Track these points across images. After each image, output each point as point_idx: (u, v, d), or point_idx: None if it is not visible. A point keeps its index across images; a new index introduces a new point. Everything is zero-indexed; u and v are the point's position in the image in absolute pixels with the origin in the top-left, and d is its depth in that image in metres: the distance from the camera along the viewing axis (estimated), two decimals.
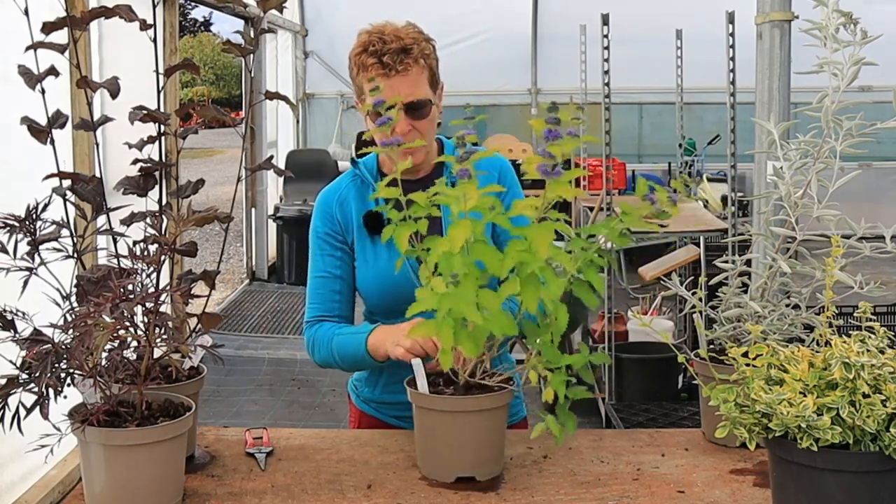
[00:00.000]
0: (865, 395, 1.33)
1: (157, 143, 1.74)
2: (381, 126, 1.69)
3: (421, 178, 2.02)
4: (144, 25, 1.71)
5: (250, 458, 1.81)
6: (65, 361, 1.47)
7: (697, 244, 5.25)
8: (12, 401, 1.47)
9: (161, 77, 1.74)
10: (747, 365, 1.46)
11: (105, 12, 1.67)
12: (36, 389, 1.45)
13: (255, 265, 8.60)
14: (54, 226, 1.57)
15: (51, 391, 1.45)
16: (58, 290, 1.58)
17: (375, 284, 2.03)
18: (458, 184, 1.58)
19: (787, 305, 1.85)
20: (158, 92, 1.75)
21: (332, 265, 2.04)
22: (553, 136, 1.48)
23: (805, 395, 1.35)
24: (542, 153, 1.48)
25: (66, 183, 1.67)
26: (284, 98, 1.84)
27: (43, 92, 1.64)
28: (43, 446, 1.47)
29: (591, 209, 6.68)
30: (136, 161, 1.74)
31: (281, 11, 7.19)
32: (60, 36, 1.65)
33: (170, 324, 1.59)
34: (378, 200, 2.02)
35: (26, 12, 1.61)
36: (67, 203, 1.68)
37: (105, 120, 1.72)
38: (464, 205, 1.55)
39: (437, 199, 1.62)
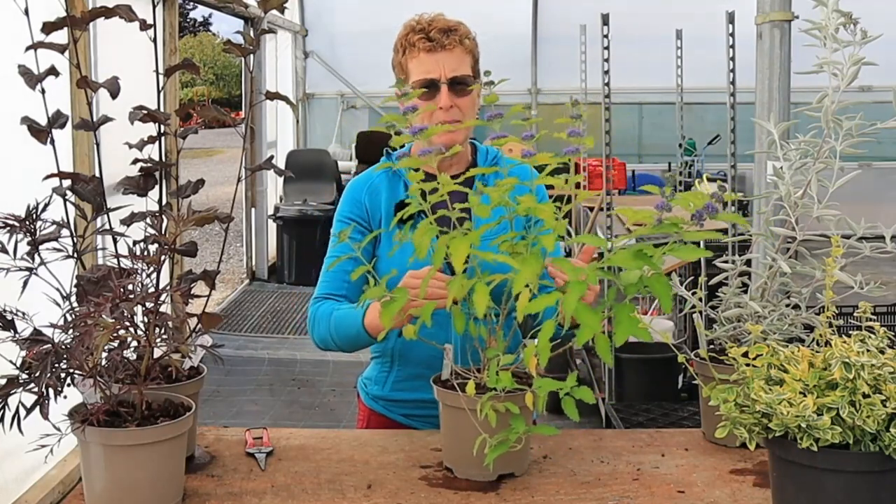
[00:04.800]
0: (865, 395, 1.33)
1: (157, 143, 1.74)
2: (424, 99, 1.78)
3: (451, 174, 2.03)
4: (144, 25, 1.71)
5: (250, 458, 1.81)
6: (65, 361, 1.47)
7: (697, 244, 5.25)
8: (12, 401, 1.47)
9: (161, 77, 1.75)
10: (747, 365, 1.46)
11: (105, 12, 1.67)
12: (36, 389, 1.45)
13: (255, 265, 8.60)
14: (54, 226, 1.57)
15: (51, 391, 1.45)
16: (58, 290, 1.58)
17: (397, 277, 2.01)
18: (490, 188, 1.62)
19: (787, 305, 1.85)
20: (158, 92, 1.75)
21: (349, 249, 2.03)
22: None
23: (805, 395, 1.35)
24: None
25: (66, 183, 1.67)
26: (284, 98, 1.84)
27: (43, 92, 1.64)
28: (43, 446, 1.47)
29: (591, 209, 6.68)
30: (136, 161, 1.74)
31: (282, 12, 7.21)
32: (60, 36, 1.65)
33: (170, 324, 1.59)
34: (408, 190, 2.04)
35: (26, 12, 1.61)
36: (67, 203, 1.68)
37: (105, 120, 1.72)
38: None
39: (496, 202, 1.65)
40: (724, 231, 5.01)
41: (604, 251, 1.60)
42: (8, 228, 1.52)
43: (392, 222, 1.94)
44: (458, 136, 2.01)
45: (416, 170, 1.69)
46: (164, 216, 1.67)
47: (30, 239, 1.54)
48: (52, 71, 1.64)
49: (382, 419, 2.14)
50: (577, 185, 1.64)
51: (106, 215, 1.70)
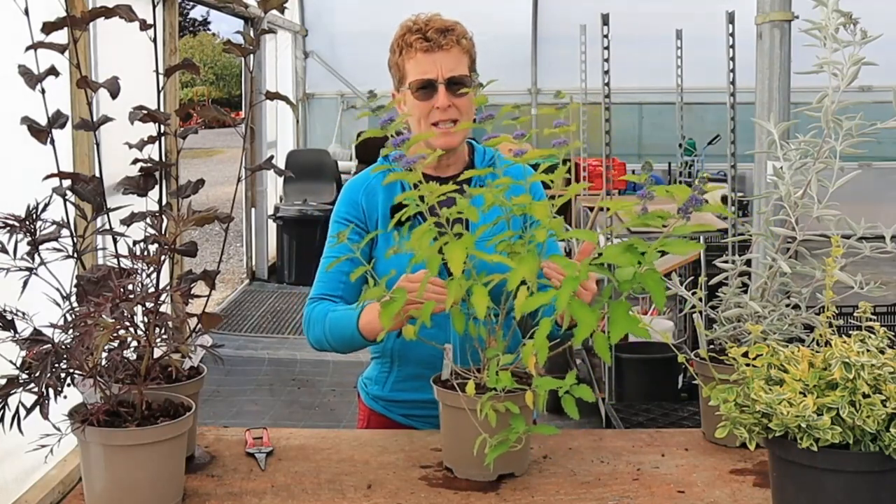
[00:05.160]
0: (865, 395, 1.33)
1: (157, 143, 1.74)
2: (421, 99, 1.78)
3: (449, 175, 2.03)
4: (144, 25, 1.71)
5: (250, 458, 1.81)
6: (65, 361, 1.47)
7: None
8: (12, 401, 1.47)
9: (161, 77, 1.75)
10: (747, 365, 1.45)
11: (105, 12, 1.67)
12: (36, 389, 1.45)
13: (255, 265, 8.60)
14: (54, 226, 1.57)
15: (51, 391, 1.45)
16: (58, 290, 1.58)
17: (395, 277, 2.01)
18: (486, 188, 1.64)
19: (787, 305, 1.85)
20: (158, 92, 1.75)
21: (346, 247, 2.03)
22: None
23: (805, 395, 1.35)
24: (643, 197, 1.47)
25: (66, 183, 1.67)
26: (284, 98, 1.84)
27: (43, 92, 1.64)
28: (43, 446, 1.47)
29: (591, 209, 6.68)
30: (136, 161, 1.74)
31: (282, 12, 7.21)
32: (60, 36, 1.65)
33: (170, 324, 1.59)
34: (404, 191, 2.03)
35: (26, 12, 1.61)
36: (67, 203, 1.68)
37: (105, 120, 1.72)
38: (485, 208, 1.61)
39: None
40: (724, 231, 5.03)
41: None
42: (8, 228, 1.52)
43: (390, 224, 1.94)
44: (456, 139, 2.00)
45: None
46: (164, 216, 1.67)
47: (30, 239, 1.54)
48: (52, 71, 1.64)
49: (382, 419, 2.14)
50: (569, 182, 1.64)
51: (106, 215, 1.70)
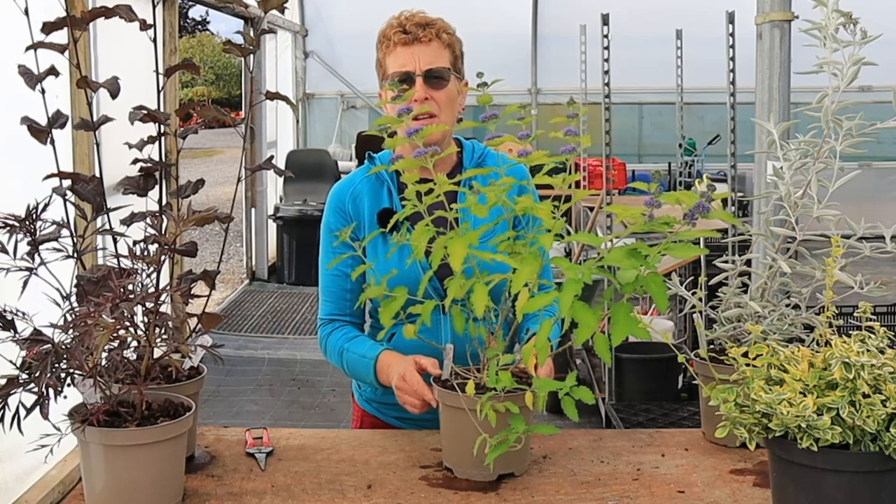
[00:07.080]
0: (865, 395, 1.33)
1: (157, 143, 1.74)
2: (397, 95, 1.72)
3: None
4: (144, 25, 1.71)
5: (250, 458, 1.81)
6: (65, 361, 1.47)
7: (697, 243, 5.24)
8: (12, 401, 1.47)
9: (161, 77, 1.75)
10: (747, 365, 1.46)
11: (105, 12, 1.67)
12: (36, 389, 1.45)
13: (255, 265, 8.60)
14: (54, 226, 1.57)
15: (51, 391, 1.45)
16: (58, 290, 1.58)
17: (397, 277, 2.00)
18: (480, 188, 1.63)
19: (787, 305, 1.85)
20: (158, 92, 1.76)
21: (341, 262, 2.02)
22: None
23: (805, 395, 1.35)
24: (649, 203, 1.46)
25: (66, 183, 1.67)
26: (284, 98, 1.84)
27: (43, 92, 1.64)
28: (43, 446, 1.47)
29: (591, 209, 6.68)
30: (136, 161, 1.74)
31: (282, 12, 7.21)
32: (60, 36, 1.65)
33: (170, 324, 1.59)
34: (392, 197, 2.03)
35: (26, 12, 1.61)
36: (67, 203, 1.68)
37: (105, 120, 1.72)
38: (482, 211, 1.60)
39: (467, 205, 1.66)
40: (724, 231, 5.03)
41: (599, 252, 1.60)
42: (8, 228, 1.52)
43: (387, 227, 1.94)
44: (434, 136, 1.90)
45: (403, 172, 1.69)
46: (164, 216, 1.67)
47: (30, 239, 1.54)
48: (52, 71, 1.64)
49: (375, 421, 2.14)
50: (578, 185, 1.64)
51: (106, 215, 1.70)
